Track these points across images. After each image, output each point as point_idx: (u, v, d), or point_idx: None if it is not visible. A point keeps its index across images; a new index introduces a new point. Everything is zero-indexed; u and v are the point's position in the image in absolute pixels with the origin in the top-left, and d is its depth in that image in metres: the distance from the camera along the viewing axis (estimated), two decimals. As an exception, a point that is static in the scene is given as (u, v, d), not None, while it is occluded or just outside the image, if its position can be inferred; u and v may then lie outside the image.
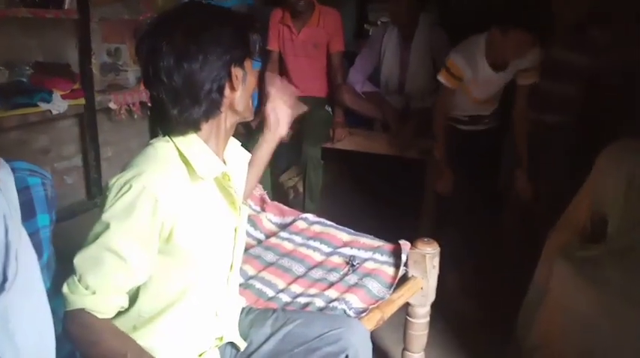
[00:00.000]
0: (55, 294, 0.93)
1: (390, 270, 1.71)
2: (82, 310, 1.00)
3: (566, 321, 1.69)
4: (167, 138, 1.11)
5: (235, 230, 1.25)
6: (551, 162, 2.51)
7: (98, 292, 1.01)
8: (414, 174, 3.02)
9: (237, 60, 1.09)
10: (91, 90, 2.74)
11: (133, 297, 1.12)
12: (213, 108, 1.09)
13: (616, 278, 1.61)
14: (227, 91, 1.10)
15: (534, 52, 2.38)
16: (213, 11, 1.11)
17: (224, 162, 1.21)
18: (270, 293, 1.63)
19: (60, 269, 0.98)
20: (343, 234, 1.94)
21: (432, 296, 1.75)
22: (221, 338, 1.26)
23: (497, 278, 2.61)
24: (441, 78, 2.51)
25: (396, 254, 1.76)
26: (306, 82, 3.02)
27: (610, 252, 1.71)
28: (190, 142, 1.10)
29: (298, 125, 3.02)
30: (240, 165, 1.31)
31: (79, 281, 1.00)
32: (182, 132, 1.10)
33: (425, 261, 1.69)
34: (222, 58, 1.06)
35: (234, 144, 1.29)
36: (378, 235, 1.94)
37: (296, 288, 1.65)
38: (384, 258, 1.77)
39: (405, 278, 1.71)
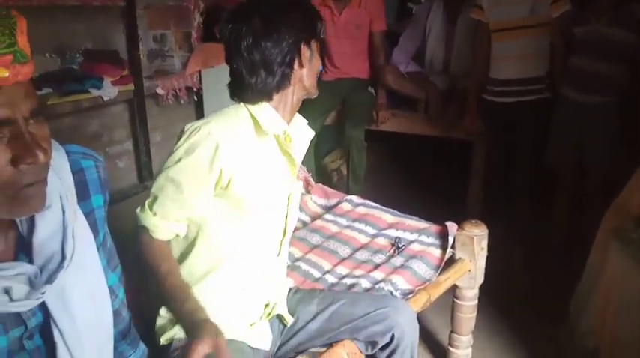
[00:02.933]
0: (111, 272, 0.96)
1: (437, 252, 1.69)
2: (144, 227, 1.19)
3: (620, 305, 1.63)
4: (241, 104, 1.24)
5: (289, 197, 1.30)
6: (600, 144, 2.42)
7: (158, 215, 1.18)
8: (459, 156, 2.96)
9: (305, 40, 1.22)
10: (139, 76, 2.81)
11: (185, 253, 1.24)
12: (284, 80, 1.21)
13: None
14: (296, 66, 1.22)
15: None
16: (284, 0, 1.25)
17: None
18: (317, 274, 1.64)
19: (114, 248, 1.01)
20: (388, 216, 1.93)
21: (480, 279, 1.73)
22: (269, 310, 1.29)
23: (548, 261, 2.55)
24: (472, 15, 2.61)
25: (443, 236, 1.73)
26: (349, 64, 3.00)
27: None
28: (260, 107, 1.23)
29: (341, 107, 3.03)
30: (301, 140, 1.36)
31: (149, 203, 1.19)
32: (255, 100, 1.22)
33: (473, 243, 1.67)
34: (293, 37, 1.19)
35: (300, 120, 1.35)
36: (423, 217, 1.91)
37: (342, 270, 1.66)
38: (431, 240, 1.75)
39: (452, 261, 1.69)
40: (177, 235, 1.22)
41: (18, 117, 0.68)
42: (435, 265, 1.64)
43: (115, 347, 0.95)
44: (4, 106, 0.66)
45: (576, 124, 2.46)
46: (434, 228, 1.81)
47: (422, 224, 1.85)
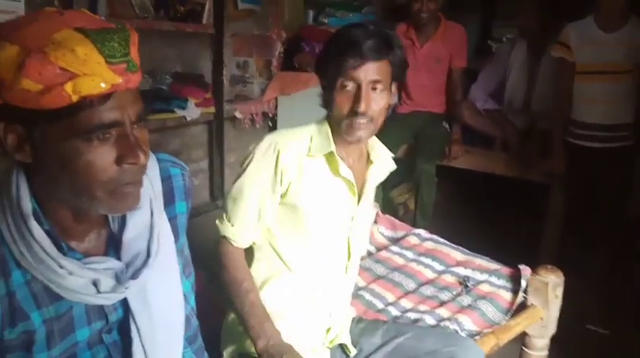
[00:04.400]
0: (185, 278, 1.00)
1: (508, 295, 1.62)
2: (224, 238, 1.24)
3: None
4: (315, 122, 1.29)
5: (352, 219, 1.29)
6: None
7: (235, 224, 1.23)
8: (532, 198, 2.85)
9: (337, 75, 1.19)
10: (221, 100, 2.94)
11: (248, 259, 1.28)
12: (325, 104, 1.25)
13: None
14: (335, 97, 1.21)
15: None
16: (346, 28, 1.24)
17: (368, 157, 1.31)
18: (380, 305, 1.62)
19: (189, 256, 1.05)
20: (457, 253, 1.87)
21: (552, 328, 1.63)
22: (332, 337, 1.28)
23: (626, 317, 2.38)
24: (554, 52, 2.51)
25: (515, 279, 1.66)
26: (425, 97, 2.99)
27: None
28: (322, 126, 1.26)
29: (414, 140, 3.01)
30: (381, 171, 1.36)
31: (225, 213, 1.24)
32: (324, 119, 1.27)
33: (547, 289, 1.58)
34: (330, 69, 1.19)
35: (384, 151, 1.35)
36: (493, 258, 1.85)
37: (406, 303, 1.63)
38: (501, 282, 1.69)
39: (523, 306, 1.61)
40: (254, 242, 1.27)
41: (125, 120, 0.73)
42: (504, 308, 1.57)
43: (182, 354, 0.98)
44: (115, 110, 0.72)
45: None
46: (505, 270, 1.74)
47: (493, 265, 1.79)
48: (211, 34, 2.88)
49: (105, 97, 0.70)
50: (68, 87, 0.67)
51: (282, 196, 1.23)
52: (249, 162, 1.22)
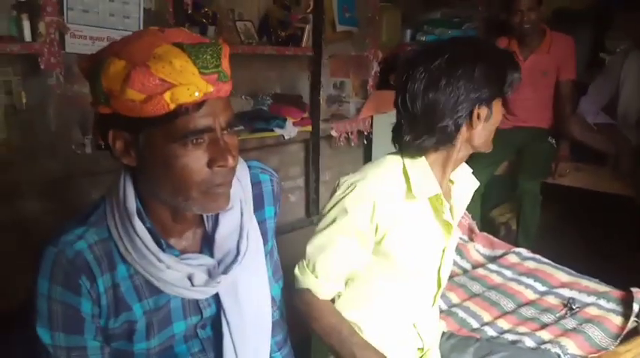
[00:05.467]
0: (274, 283, 1.04)
1: (617, 320, 1.49)
2: (307, 290, 1.16)
3: None
4: (398, 153, 1.17)
5: (443, 250, 1.23)
6: None
7: (320, 277, 1.15)
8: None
9: (484, 100, 1.08)
10: (317, 119, 3.02)
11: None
12: (445, 142, 1.11)
13: None
14: (464, 129, 1.10)
15: None
16: (475, 46, 1.12)
17: (449, 185, 1.23)
18: (475, 324, 1.55)
19: (279, 261, 1.09)
20: (562, 274, 1.75)
21: (671, 359, 1.46)
22: (421, 354, 1.24)
23: None
24: None
25: (626, 303, 1.52)
26: (529, 112, 2.84)
27: None
28: (416, 160, 1.15)
29: (516, 157, 2.87)
30: (465, 191, 1.29)
31: (307, 265, 1.16)
32: (411, 154, 1.15)
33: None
34: (469, 97, 1.07)
35: (466, 170, 1.28)
36: (603, 280, 1.70)
37: (503, 324, 1.55)
38: (611, 305, 1.55)
39: (635, 332, 1.46)
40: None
41: (216, 126, 0.79)
42: (613, 333, 1.44)
43: (270, 357, 1.02)
44: (207, 116, 0.77)
45: None
46: (616, 292, 1.60)
47: (602, 287, 1.65)
48: (310, 56, 2.98)
49: (198, 105, 0.76)
50: (167, 96, 0.73)
51: (376, 245, 1.15)
52: (338, 213, 1.12)
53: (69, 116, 2.01)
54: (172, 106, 0.74)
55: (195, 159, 0.78)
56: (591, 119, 2.78)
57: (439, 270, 1.24)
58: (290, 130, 2.82)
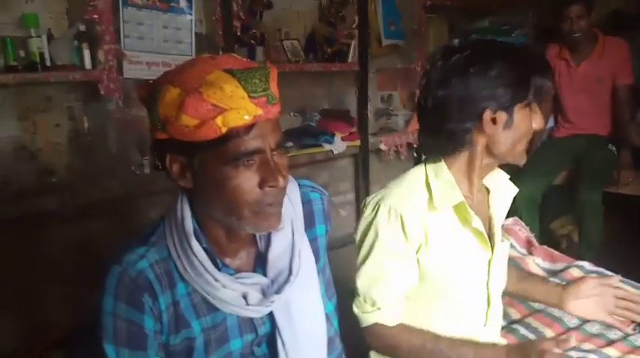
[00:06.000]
0: (327, 300, 1.03)
1: (694, 337, 1.39)
2: (375, 324, 1.12)
3: None
4: (422, 165, 1.16)
5: (489, 262, 1.18)
6: None
7: (382, 306, 1.11)
8: None
9: (501, 104, 1.03)
10: (366, 133, 3.03)
11: None
12: (454, 145, 1.08)
13: None
14: (477, 133, 1.06)
15: None
16: (500, 46, 1.08)
17: (487, 191, 1.20)
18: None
19: (332, 278, 1.09)
20: (628, 288, 1.65)
21: None
22: None
23: None
24: None
25: None
26: (586, 120, 2.76)
27: None
28: (438, 169, 1.12)
29: (575, 166, 2.77)
30: (501, 198, 1.25)
31: (365, 300, 1.12)
32: (433, 161, 1.13)
33: None
34: (478, 98, 1.03)
35: (501, 175, 1.24)
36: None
37: (567, 341, 1.47)
38: (686, 322, 1.45)
39: None
40: None
41: (266, 147, 0.81)
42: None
43: None
44: (257, 138, 0.79)
45: None
46: (692, 308, 1.49)
47: (674, 301, 1.55)
48: (356, 71, 2.99)
49: (249, 128, 0.78)
50: (219, 120, 0.76)
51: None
52: (373, 238, 1.09)
53: (127, 139, 2.11)
54: (224, 130, 0.77)
55: (247, 180, 0.80)
56: (654, 124, 2.66)
57: (487, 286, 1.19)
58: (339, 145, 2.84)
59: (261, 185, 0.81)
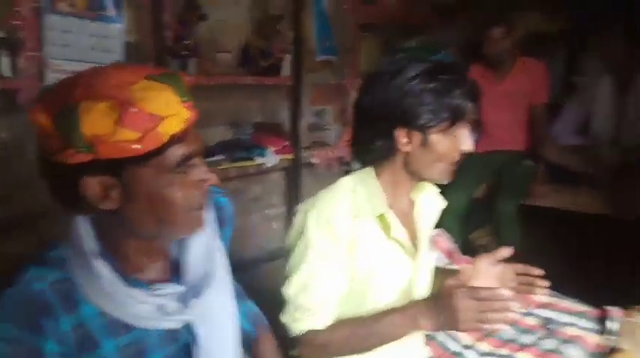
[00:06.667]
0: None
1: (595, 338, 1.50)
2: (308, 331, 1.15)
3: None
4: (353, 173, 1.21)
5: (413, 271, 1.23)
6: None
7: (313, 312, 1.14)
8: (628, 238, 2.62)
9: (412, 124, 1.08)
10: (298, 147, 3.05)
11: None
12: (379, 158, 1.16)
13: None
14: (395, 148, 1.13)
15: None
16: (425, 67, 1.10)
17: (410, 205, 1.24)
18: (456, 347, 1.56)
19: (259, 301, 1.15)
20: (541, 295, 1.77)
21: (648, 377, 1.47)
22: None
23: None
24: None
25: (603, 321, 1.54)
26: (505, 135, 2.93)
27: None
28: (366, 178, 1.17)
29: (494, 180, 2.92)
30: (429, 211, 1.30)
31: (295, 308, 1.15)
32: (361, 168, 1.19)
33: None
34: (390, 116, 1.09)
35: (431, 189, 1.29)
36: (581, 300, 1.72)
37: (484, 346, 1.56)
38: (589, 325, 1.57)
39: (613, 350, 1.48)
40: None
41: (198, 150, 0.82)
42: (592, 352, 1.46)
43: None
44: (192, 142, 0.81)
45: None
46: (593, 312, 1.62)
47: (579, 306, 1.67)
48: (290, 86, 3.02)
49: (184, 133, 0.79)
50: (160, 129, 0.75)
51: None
52: (304, 246, 1.12)
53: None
54: (165, 138, 0.76)
55: (183, 186, 0.81)
56: (566, 140, 2.86)
57: (411, 293, 1.24)
58: (271, 159, 2.85)
59: (197, 187, 0.82)
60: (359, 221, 1.14)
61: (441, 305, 1.07)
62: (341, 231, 1.11)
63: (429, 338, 1.56)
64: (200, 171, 0.83)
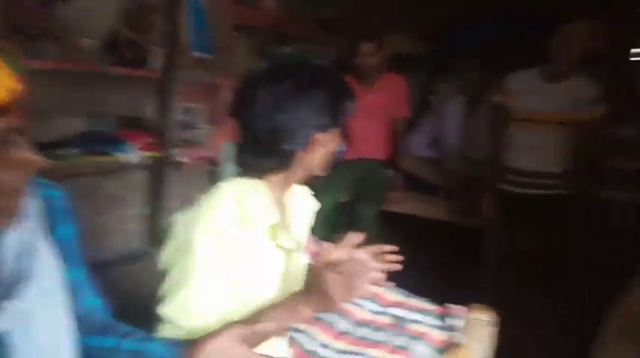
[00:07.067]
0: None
1: (441, 335, 1.63)
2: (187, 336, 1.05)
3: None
4: (235, 178, 1.17)
5: (288, 274, 1.25)
6: (610, 240, 2.36)
7: (204, 307, 1.07)
8: (472, 243, 2.91)
9: (325, 127, 1.13)
10: (165, 145, 2.93)
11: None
12: (283, 165, 1.15)
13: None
14: (302, 153, 1.15)
15: (594, 83, 2.31)
16: (321, 74, 1.15)
17: (286, 207, 1.25)
18: (312, 346, 1.59)
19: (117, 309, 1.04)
20: (392, 294, 1.88)
21: (484, 368, 1.63)
22: None
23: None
24: (495, 98, 2.56)
25: (448, 319, 1.67)
26: (368, 145, 3.08)
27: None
28: (253, 186, 1.15)
29: (357, 186, 3.07)
30: (304, 213, 1.33)
31: (172, 329, 1.07)
32: (251, 176, 1.16)
33: (479, 328, 1.60)
34: (311, 123, 1.11)
35: (304, 191, 1.31)
36: (430, 299, 1.86)
37: (339, 345, 1.60)
38: (435, 322, 1.69)
39: (456, 346, 1.61)
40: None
41: (27, 125, 0.75)
42: (437, 348, 1.57)
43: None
44: (20, 117, 0.74)
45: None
46: (439, 309, 1.75)
47: (427, 305, 1.80)
48: (160, 80, 2.89)
49: (8, 105, 0.72)
50: None
51: None
52: (189, 254, 1.06)
53: None
54: None
55: (7, 162, 0.74)
56: (420, 152, 3.10)
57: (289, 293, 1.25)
58: (134, 155, 2.69)
59: (12, 168, 0.74)
60: (247, 230, 1.13)
61: (313, 288, 1.08)
62: (229, 240, 1.09)
63: (289, 339, 1.58)
64: (22, 151, 0.75)
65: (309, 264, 1.15)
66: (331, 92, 1.13)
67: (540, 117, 2.47)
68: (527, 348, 2.44)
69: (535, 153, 2.52)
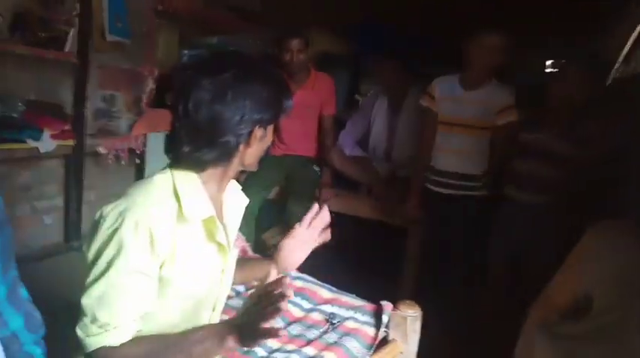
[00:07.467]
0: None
1: (371, 331, 1.67)
2: (101, 348, 1.02)
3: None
4: (168, 170, 1.13)
5: (222, 271, 1.23)
6: (534, 240, 2.51)
7: (113, 327, 1.03)
8: (397, 240, 3.01)
9: (264, 121, 1.13)
10: (82, 134, 2.75)
11: None
12: (223, 158, 1.12)
13: (596, 355, 1.58)
14: (242, 147, 1.13)
15: (508, 91, 2.47)
16: (263, 68, 1.15)
17: (221, 203, 1.23)
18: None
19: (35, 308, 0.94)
20: (324, 291, 1.90)
21: (411, 362, 1.69)
22: None
23: (477, 351, 2.56)
24: (422, 101, 2.67)
25: (378, 315, 1.72)
26: (297, 142, 3.08)
27: (593, 330, 1.68)
28: (188, 180, 1.12)
29: (285, 183, 3.07)
30: (236, 208, 1.31)
31: (92, 321, 1.02)
32: (186, 168, 1.12)
33: (406, 323, 1.65)
34: (252, 117, 1.09)
35: (235, 186, 1.30)
36: (359, 296, 1.90)
37: (273, 343, 1.59)
38: (365, 318, 1.73)
39: (385, 341, 1.66)
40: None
41: None
42: (368, 344, 1.61)
43: None
44: None
45: (517, 223, 2.54)
46: (369, 306, 1.79)
47: (357, 301, 1.84)
48: (74, 64, 2.70)
49: None
50: None
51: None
52: (115, 252, 1.01)
53: None
54: None
55: None
56: (348, 151, 3.15)
57: (220, 288, 1.24)
58: (47, 143, 2.50)
59: None
60: (184, 225, 1.09)
61: (244, 323, 1.06)
62: (162, 241, 1.04)
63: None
64: None
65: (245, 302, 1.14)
66: (274, 88, 1.14)
67: (460, 121, 2.60)
68: (452, 342, 2.56)
69: (456, 156, 2.65)
